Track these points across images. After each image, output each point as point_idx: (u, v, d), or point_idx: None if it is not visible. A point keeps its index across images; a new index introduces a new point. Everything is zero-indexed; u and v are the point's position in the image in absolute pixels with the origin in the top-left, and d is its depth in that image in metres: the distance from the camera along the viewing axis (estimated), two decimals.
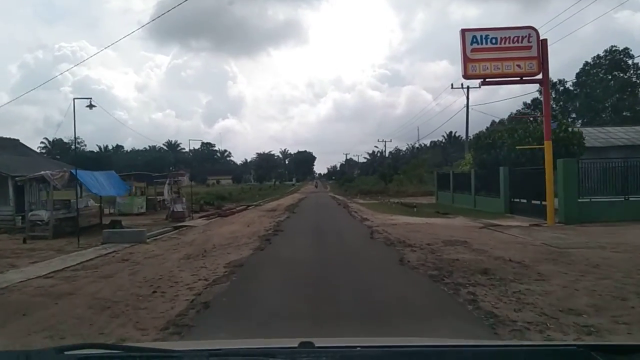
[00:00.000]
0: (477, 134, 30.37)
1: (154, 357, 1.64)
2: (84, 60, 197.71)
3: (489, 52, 16.75)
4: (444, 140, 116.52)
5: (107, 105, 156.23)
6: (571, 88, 58.91)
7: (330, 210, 27.70)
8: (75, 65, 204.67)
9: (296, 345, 1.66)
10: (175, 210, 24.75)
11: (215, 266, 9.80)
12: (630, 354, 1.61)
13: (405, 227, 16.56)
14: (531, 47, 16.63)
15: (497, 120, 53.62)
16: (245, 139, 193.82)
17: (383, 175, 54.02)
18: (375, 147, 53.36)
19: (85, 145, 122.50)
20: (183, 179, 32.57)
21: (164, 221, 23.04)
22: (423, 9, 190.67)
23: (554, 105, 52.31)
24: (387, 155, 65.54)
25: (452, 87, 36.05)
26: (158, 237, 16.35)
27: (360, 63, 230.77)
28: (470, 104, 39.78)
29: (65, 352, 1.55)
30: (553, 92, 54.75)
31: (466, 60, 16.75)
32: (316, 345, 1.67)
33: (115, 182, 20.69)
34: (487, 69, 16.70)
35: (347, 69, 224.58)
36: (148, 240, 14.90)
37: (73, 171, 17.72)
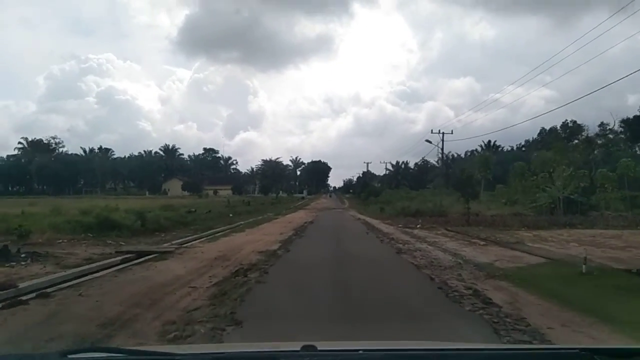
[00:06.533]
0: None
1: None
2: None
3: None
4: (480, 150, 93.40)
5: (131, 116, 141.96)
6: None
7: None
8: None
9: (299, 349, 1.59)
10: None
11: None
12: (632, 357, 1.53)
13: None
14: None
15: None
16: (263, 152, 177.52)
17: (462, 182, 27.85)
18: (432, 140, 31.81)
19: (64, 147, 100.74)
20: None
21: None
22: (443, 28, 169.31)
23: None
24: (447, 156, 39.72)
25: None
26: None
27: (381, 79, 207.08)
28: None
29: (69, 356, 1.47)
30: None
31: None
32: (319, 348, 1.60)
33: None
34: None
35: (368, 85, 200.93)
36: None
37: None
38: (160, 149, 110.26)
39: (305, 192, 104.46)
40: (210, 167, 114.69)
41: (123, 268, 10.06)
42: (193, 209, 29.70)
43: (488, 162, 43.15)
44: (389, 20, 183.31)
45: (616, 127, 51.81)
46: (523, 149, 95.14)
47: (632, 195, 33.70)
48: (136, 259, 11.84)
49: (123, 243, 14.62)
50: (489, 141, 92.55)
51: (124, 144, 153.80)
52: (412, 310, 6.27)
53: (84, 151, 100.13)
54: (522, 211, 33.14)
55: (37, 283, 7.96)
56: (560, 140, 58.83)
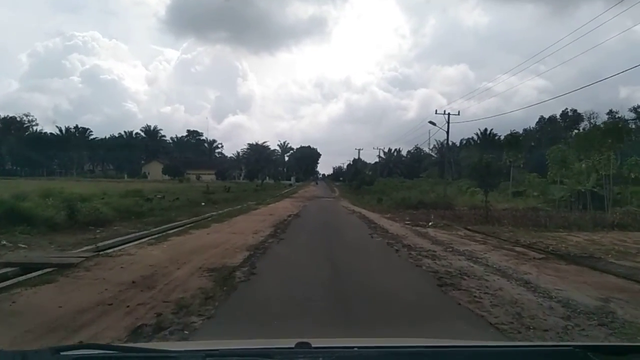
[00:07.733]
0: None
1: (150, 358, 1.52)
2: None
3: None
4: (477, 139, 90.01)
5: (117, 96, 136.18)
6: None
7: None
8: None
9: (293, 346, 1.53)
10: None
11: None
12: (626, 354, 1.51)
13: None
14: None
15: None
16: (252, 137, 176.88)
17: (480, 170, 22.74)
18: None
19: (38, 125, 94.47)
20: None
21: None
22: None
23: None
24: (442, 144, 35.24)
25: None
26: None
27: (373, 64, 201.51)
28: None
29: (62, 353, 1.43)
30: None
31: None
32: (313, 345, 1.53)
33: None
34: None
35: (360, 70, 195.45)
36: None
37: None
38: (141, 130, 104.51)
39: (293, 179, 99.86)
40: (194, 150, 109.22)
41: None
42: (160, 195, 25.19)
43: (519, 144, 36.53)
44: (383, 4, 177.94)
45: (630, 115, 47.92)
46: (520, 138, 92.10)
47: None
48: (18, 276, 7.51)
49: (24, 245, 10.15)
50: (485, 129, 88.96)
51: (109, 125, 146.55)
52: None
53: (60, 130, 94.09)
54: (536, 205, 29.19)
55: None
56: (562, 129, 55.07)
